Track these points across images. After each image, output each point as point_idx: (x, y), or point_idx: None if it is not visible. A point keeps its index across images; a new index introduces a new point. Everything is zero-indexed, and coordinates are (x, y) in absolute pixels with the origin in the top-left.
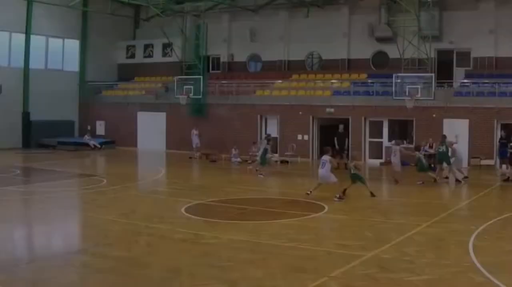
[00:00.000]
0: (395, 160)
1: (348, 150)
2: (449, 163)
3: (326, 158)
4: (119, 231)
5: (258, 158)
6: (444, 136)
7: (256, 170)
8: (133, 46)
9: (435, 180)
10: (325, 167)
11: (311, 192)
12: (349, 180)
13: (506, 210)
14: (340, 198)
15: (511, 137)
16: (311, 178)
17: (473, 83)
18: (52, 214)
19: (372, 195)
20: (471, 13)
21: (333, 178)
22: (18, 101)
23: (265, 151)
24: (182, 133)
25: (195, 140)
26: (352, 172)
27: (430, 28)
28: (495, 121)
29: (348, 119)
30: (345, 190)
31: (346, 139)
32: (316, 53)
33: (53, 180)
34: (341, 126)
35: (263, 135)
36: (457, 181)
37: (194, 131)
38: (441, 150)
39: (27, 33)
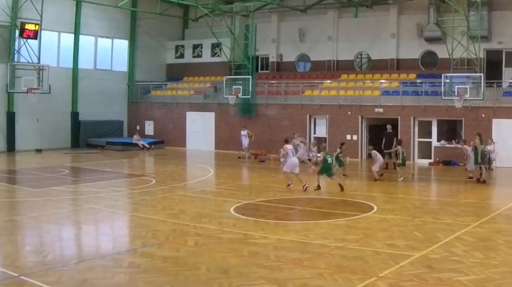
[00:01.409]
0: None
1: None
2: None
3: (290, 146)
4: (167, 231)
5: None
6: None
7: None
8: (182, 46)
9: (478, 180)
10: (295, 155)
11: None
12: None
13: None
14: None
15: None
16: (360, 177)
17: None
18: (100, 214)
19: (341, 187)
20: None
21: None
22: (67, 101)
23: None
24: (231, 133)
25: (244, 140)
26: (329, 162)
27: (479, 28)
28: None
29: (397, 119)
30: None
31: (394, 139)
32: (365, 53)
33: (101, 180)
34: (389, 126)
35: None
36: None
37: (242, 132)
38: (485, 150)
39: (76, 33)
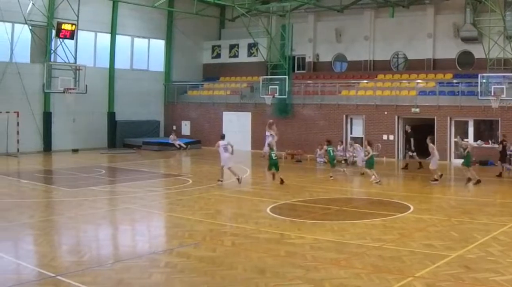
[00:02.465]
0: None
1: (415, 150)
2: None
3: (224, 143)
4: (204, 231)
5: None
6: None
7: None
8: (219, 46)
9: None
10: (228, 151)
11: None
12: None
13: None
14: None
15: None
16: (396, 177)
17: None
18: (137, 214)
19: (282, 181)
20: None
21: (226, 162)
22: (103, 101)
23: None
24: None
25: (267, 140)
26: (274, 158)
27: None
28: None
29: (433, 119)
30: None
31: (412, 140)
32: (401, 53)
33: (138, 180)
34: (407, 127)
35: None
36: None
37: (267, 132)
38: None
39: (113, 33)
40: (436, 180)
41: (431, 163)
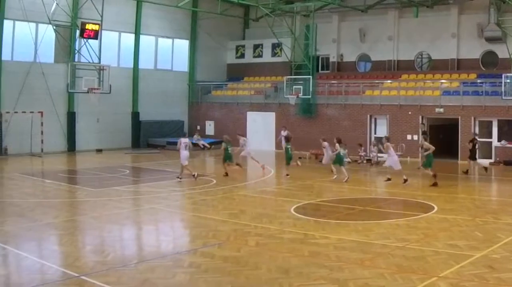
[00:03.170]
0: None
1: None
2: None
3: (186, 140)
4: (228, 231)
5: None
6: None
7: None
8: (243, 46)
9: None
10: (186, 149)
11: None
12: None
13: None
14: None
15: None
16: (420, 177)
17: None
18: (161, 214)
19: (226, 175)
20: None
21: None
22: (127, 101)
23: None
24: (292, 133)
25: (284, 141)
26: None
27: None
28: None
29: (457, 119)
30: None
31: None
32: (425, 53)
33: (162, 180)
34: (421, 126)
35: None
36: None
37: (283, 133)
38: None
39: (137, 33)
40: (405, 180)
41: (391, 164)
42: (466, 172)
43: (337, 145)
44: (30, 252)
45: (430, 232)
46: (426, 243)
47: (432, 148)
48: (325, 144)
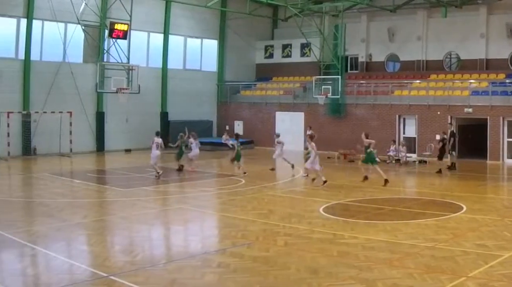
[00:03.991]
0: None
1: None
2: None
3: (158, 140)
4: (257, 231)
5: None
6: None
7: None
8: (272, 46)
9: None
10: (158, 149)
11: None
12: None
13: None
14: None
15: None
16: (449, 177)
17: None
18: (189, 214)
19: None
20: None
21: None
22: (156, 101)
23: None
24: (320, 133)
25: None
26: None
27: None
28: None
29: (486, 119)
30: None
31: (452, 139)
32: (454, 53)
33: (190, 180)
34: (449, 126)
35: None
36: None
37: (308, 132)
38: None
39: (165, 33)
40: (325, 181)
41: (307, 162)
42: (440, 171)
43: (313, 143)
44: (59, 252)
45: (459, 232)
46: (455, 243)
47: (373, 142)
48: (280, 138)
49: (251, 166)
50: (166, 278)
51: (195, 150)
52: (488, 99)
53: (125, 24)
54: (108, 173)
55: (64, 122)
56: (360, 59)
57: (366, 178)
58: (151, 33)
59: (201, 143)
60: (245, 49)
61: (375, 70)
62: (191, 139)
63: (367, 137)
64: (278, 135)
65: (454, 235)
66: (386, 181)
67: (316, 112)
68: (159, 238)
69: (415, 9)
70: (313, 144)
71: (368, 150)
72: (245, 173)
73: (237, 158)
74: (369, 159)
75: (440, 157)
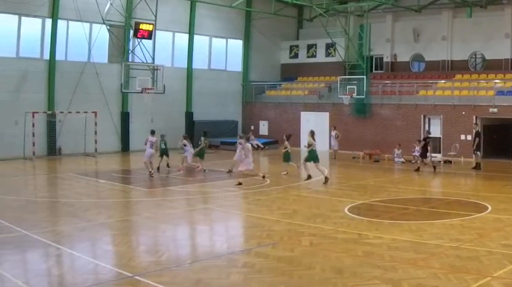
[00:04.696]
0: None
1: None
2: None
3: (152, 139)
4: (282, 231)
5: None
6: None
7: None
8: (297, 46)
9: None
10: (152, 147)
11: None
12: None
13: None
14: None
15: None
16: (474, 177)
17: None
18: (214, 214)
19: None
20: None
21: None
22: (181, 101)
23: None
24: (345, 133)
25: (333, 141)
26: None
27: None
28: None
29: (511, 119)
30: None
31: (478, 139)
32: (479, 53)
33: (216, 180)
34: (474, 126)
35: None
36: None
37: (332, 133)
38: None
39: (191, 33)
40: (240, 183)
41: (239, 165)
42: (418, 169)
43: (286, 142)
44: (84, 252)
45: (484, 232)
46: (480, 243)
47: (314, 143)
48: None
49: (276, 166)
50: (191, 278)
51: (189, 151)
52: None
53: (150, 24)
54: (133, 173)
55: (89, 122)
56: (385, 59)
57: (309, 177)
58: (176, 33)
59: (226, 143)
60: (270, 49)
61: (400, 70)
62: (185, 141)
63: (312, 137)
64: (241, 137)
65: (479, 235)
66: (326, 178)
67: (341, 112)
68: (184, 238)
69: (440, 9)
70: (247, 145)
71: (310, 149)
72: (230, 170)
73: (199, 154)
74: (311, 157)
75: (423, 155)
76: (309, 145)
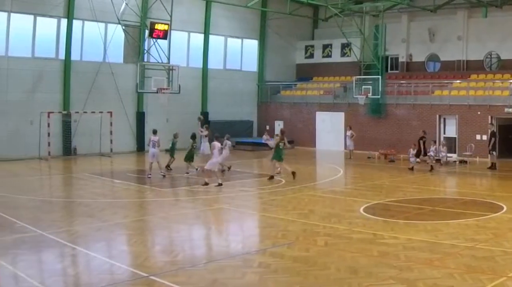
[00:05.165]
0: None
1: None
2: None
3: (155, 138)
4: (297, 231)
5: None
6: None
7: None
8: (312, 46)
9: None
10: (155, 147)
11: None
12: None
13: None
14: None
15: None
16: (489, 177)
17: None
18: (230, 214)
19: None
20: None
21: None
22: (196, 101)
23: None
24: (361, 133)
25: (348, 141)
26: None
27: None
28: None
29: None
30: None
31: (493, 139)
32: (494, 53)
33: (231, 180)
34: (490, 126)
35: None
36: None
37: (348, 133)
38: None
39: (206, 33)
40: (206, 184)
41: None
42: (412, 169)
43: (270, 140)
44: (99, 252)
45: (500, 232)
46: (496, 243)
47: (276, 143)
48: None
49: (292, 166)
50: (207, 278)
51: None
52: None
53: (165, 24)
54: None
55: (104, 122)
56: (400, 59)
57: (271, 177)
58: (191, 33)
59: (242, 143)
60: (285, 49)
61: (416, 70)
62: (176, 140)
63: (282, 134)
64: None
65: (494, 235)
66: (271, 177)
67: (357, 112)
68: (199, 238)
69: (455, 9)
70: (216, 148)
71: (277, 147)
72: (197, 168)
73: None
74: (277, 156)
75: (417, 155)
76: (276, 144)
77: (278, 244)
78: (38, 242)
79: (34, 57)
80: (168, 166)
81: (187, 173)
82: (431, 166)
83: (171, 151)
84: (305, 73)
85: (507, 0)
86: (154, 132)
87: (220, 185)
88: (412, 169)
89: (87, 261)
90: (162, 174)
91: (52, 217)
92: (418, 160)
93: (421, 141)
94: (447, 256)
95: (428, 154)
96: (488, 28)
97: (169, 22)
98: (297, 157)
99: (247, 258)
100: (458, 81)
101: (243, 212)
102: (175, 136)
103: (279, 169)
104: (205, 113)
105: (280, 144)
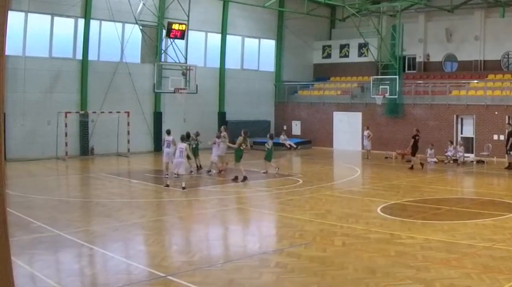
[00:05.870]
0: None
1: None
2: None
3: (169, 138)
4: (314, 231)
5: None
6: None
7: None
8: (329, 46)
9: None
10: (169, 147)
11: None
12: None
13: None
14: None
15: None
16: (507, 177)
17: None
18: (247, 214)
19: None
20: None
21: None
22: (214, 101)
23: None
24: (378, 133)
25: (365, 141)
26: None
27: None
28: None
29: None
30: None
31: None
32: (511, 53)
33: (248, 180)
34: (507, 126)
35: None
36: None
37: (365, 133)
38: None
39: (223, 33)
40: (220, 171)
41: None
42: (412, 167)
43: (270, 141)
44: (116, 252)
45: None
46: None
47: (236, 146)
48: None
49: (309, 166)
50: (223, 278)
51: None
52: None
53: (182, 24)
54: (165, 173)
55: (122, 122)
56: (417, 59)
57: (236, 178)
58: (208, 33)
59: (259, 143)
60: (302, 49)
61: (433, 70)
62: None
63: (245, 135)
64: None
65: None
66: (244, 177)
67: (374, 112)
68: (217, 238)
69: (472, 9)
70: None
71: (237, 148)
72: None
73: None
74: (237, 157)
75: (413, 153)
76: (238, 145)
77: (295, 244)
78: (55, 242)
79: (51, 57)
80: (199, 166)
81: (209, 171)
82: (421, 163)
83: (195, 151)
84: (322, 73)
85: None
86: (168, 132)
87: (245, 178)
88: (412, 167)
89: (104, 261)
90: (176, 176)
91: (69, 217)
92: (435, 159)
93: (413, 140)
94: (464, 256)
95: (445, 154)
96: (505, 28)
97: (186, 22)
98: (314, 156)
99: (264, 258)
100: (475, 81)
101: (260, 212)
102: (197, 134)
103: (275, 167)
104: (222, 114)
105: (243, 145)
